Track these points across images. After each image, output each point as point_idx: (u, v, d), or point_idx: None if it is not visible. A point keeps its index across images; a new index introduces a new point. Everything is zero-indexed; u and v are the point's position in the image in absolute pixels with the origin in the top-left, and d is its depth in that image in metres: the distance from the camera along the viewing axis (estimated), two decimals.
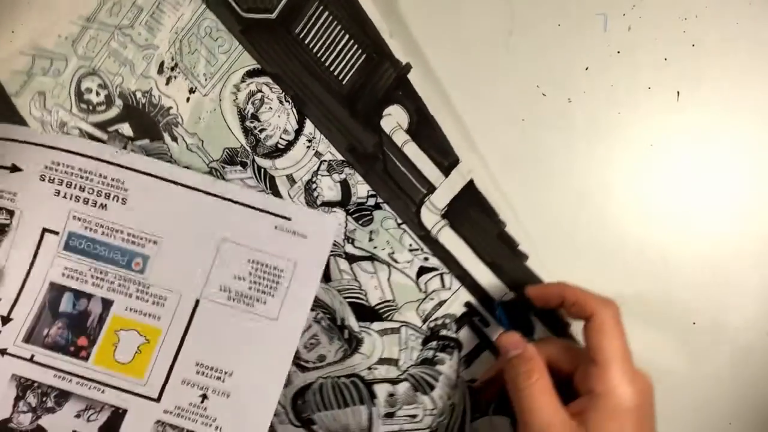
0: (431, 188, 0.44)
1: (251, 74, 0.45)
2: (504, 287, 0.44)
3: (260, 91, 0.45)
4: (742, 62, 0.44)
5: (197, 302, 0.43)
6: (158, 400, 0.42)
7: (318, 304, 0.44)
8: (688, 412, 0.43)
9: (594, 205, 0.44)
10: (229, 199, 0.43)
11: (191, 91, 0.46)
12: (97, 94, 0.46)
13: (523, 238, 0.44)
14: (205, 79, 0.45)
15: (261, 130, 0.45)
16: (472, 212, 0.44)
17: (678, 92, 0.44)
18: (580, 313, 0.39)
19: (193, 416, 0.42)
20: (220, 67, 0.45)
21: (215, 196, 0.43)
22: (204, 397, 0.42)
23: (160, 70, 0.46)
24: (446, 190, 0.44)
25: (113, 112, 0.46)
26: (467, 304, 0.45)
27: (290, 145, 0.45)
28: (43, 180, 0.43)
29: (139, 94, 0.46)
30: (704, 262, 0.44)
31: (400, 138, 0.44)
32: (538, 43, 0.44)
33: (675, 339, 0.43)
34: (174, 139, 0.46)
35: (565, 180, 0.44)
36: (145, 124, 0.46)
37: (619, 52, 0.44)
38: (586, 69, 0.44)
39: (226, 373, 0.42)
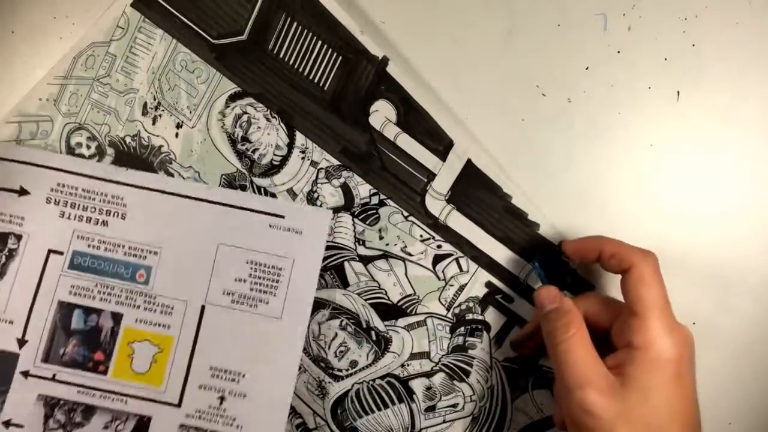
0: (431, 175, 0.44)
1: (234, 98, 0.45)
2: (521, 260, 0.44)
3: (245, 112, 0.45)
4: (741, 62, 0.44)
5: (203, 308, 0.44)
6: (179, 405, 0.43)
7: (340, 310, 0.44)
8: None
9: (593, 205, 0.44)
10: (224, 204, 0.45)
11: (178, 126, 0.46)
12: (88, 147, 0.46)
13: (530, 207, 0.44)
14: (190, 112, 0.46)
15: (254, 151, 0.45)
16: (476, 191, 0.44)
17: (678, 92, 0.44)
18: (619, 265, 0.38)
19: (214, 418, 0.43)
20: (202, 97, 0.46)
21: (209, 202, 0.45)
22: (222, 399, 0.43)
23: (144, 112, 0.46)
24: (446, 174, 0.44)
25: (107, 161, 0.46)
26: (488, 284, 0.44)
27: (285, 159, 0.45)
28: (49, 202, 0.45)
29: (128, 139, 0.46)
30: (704, 262, 0.44)
31: (392, 131, 0.44)
32: (537, 43, 0.45)
33: None
34: (170, 176, 0.46)
35: (565, 180, 0.44)
36: (139, 166, 0.46)
37: (619, 52, 0.44)
38: (586, 69, 0.44)
39: (239, 374, 0.43)
